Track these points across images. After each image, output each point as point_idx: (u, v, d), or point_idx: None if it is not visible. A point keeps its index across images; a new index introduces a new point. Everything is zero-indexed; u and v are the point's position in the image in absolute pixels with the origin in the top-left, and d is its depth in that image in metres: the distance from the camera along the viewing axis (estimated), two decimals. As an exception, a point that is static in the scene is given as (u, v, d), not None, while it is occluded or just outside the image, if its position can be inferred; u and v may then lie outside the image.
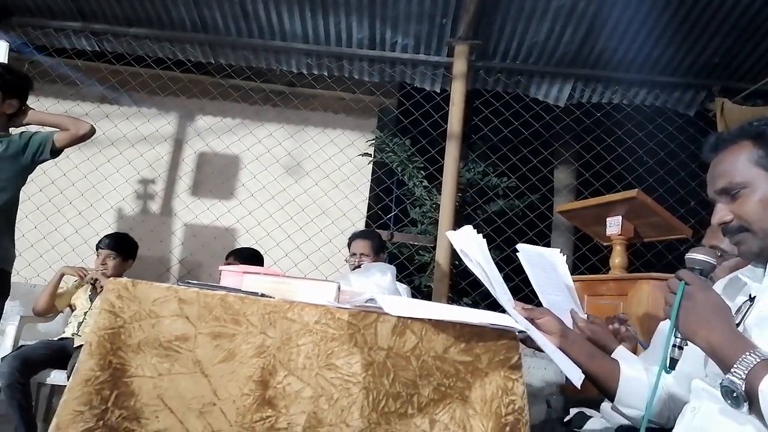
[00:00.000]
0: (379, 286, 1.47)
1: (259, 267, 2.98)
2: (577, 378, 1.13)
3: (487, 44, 3.92)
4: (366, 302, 1.19)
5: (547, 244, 4.68)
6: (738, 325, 0.98)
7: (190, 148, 4.70)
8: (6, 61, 2.96)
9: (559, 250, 1.57)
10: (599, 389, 1.25)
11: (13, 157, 2.28)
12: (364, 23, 3.88)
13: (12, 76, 2.34)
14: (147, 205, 4.63)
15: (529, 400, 1.12)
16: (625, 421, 1.26)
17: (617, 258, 2.61)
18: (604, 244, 2.82)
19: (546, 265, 1.50)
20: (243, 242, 4.18)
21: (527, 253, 1.46)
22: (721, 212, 1.04)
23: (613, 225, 2.60)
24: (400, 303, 1.12)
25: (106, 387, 1.04)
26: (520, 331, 1.14)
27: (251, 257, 3.35)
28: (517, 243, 1.50)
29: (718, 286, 1.14)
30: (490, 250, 1.26)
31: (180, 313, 1.08)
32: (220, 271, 1.46)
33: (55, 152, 2.36)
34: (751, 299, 1.03)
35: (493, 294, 1.20)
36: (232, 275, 1.40)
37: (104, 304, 1.10)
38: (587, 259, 4.01)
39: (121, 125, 4.44)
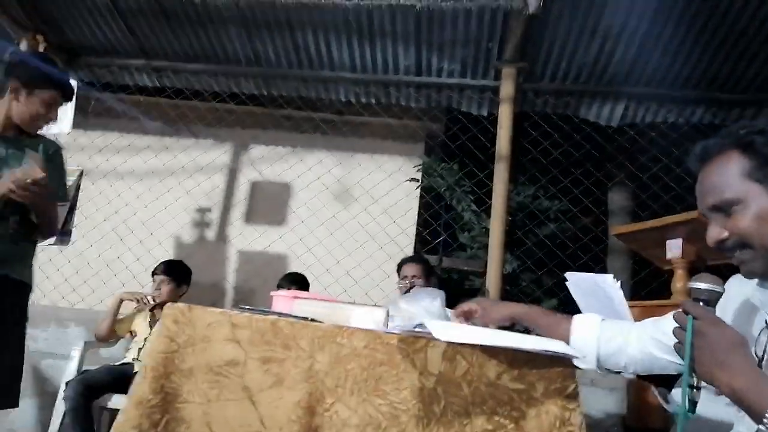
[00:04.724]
0: (428, 311, 1.45)
1: (307, 292, 3.01)
2: (569, 351, 1.10)
3: (535, 66, 3.88)
4: (415, 327, 1.18)
5: (603, 269, 4.53)
6: (761, 359, 0.90)
7: (243, 176, 4.84)
8: (75, 99, 3.10)
9: (612, 275, 1.50)
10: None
11: (51, 162, 2.03)
12: (410, 50, 3.92)
13: None
14: (203, 233, 4.78)
15: (588, 431, 1.07)
16: None
17: (679, 282, 2.49)
18: (665, 267, 2.70)
19: (598, 291, 1.43)
20: (294, 268, 4.23)
21: (577, 281, 1.41)
22: (715, 230, 0.98)
23: (674, 248, 2.49)
24: (449, 328, 1.10)
25: (157, 411, 1.05)
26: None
27: (299, 282, 3.41)
28: (571, 267, 1.46)
29: (728, 316, 1.03)
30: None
31: (232, 337, 1.10)
32: (270, 297, 1.48)
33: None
34: None
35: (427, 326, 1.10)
36: (283, 300, 1.41)
37: (162, 329, 1.13)
38: (647, 283, 3.84)
39: (179, 156, 4.63)
